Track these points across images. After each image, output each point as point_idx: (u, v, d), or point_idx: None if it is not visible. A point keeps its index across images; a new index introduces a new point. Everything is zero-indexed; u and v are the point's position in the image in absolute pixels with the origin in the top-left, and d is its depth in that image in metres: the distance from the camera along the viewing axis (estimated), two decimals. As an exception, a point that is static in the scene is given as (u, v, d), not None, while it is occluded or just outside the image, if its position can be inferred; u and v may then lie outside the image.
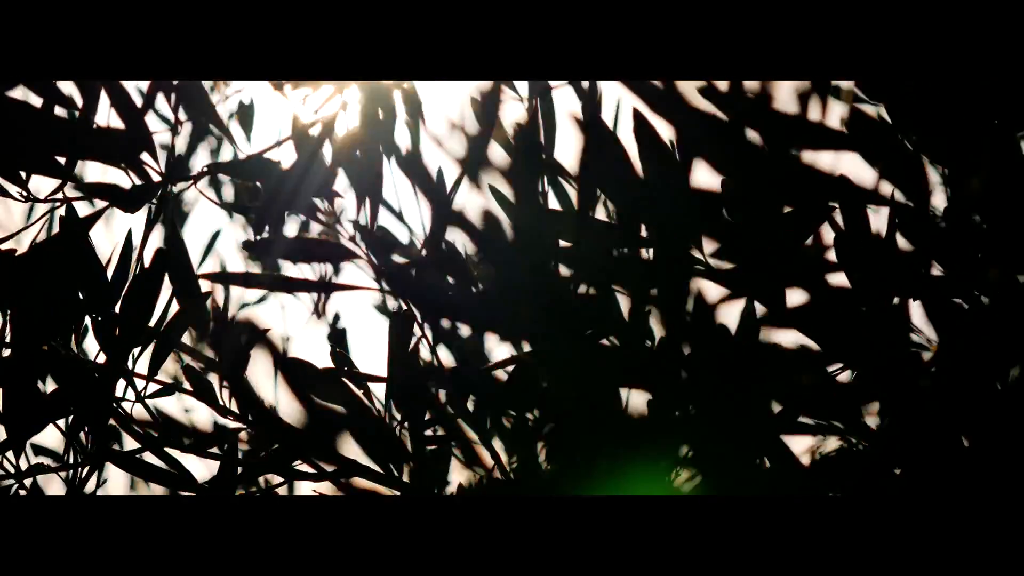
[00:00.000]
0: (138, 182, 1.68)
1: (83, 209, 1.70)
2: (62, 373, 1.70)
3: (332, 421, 1.60)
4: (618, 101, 1.59)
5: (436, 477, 1.65)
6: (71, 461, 1.72)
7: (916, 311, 1.45)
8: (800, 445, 1.48)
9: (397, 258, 1.55)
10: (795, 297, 1.41)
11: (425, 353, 1.66)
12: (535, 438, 1.48)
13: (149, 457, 1.70)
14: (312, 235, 1.73)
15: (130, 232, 1.70)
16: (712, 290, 1.43)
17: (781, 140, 1.37)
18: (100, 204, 1.72)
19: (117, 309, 1.69)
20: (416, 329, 1.67)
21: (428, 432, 1.66)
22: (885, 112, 1.36)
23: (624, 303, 1.43)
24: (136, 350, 1.70)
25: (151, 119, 1.70)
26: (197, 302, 1.67)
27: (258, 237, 1.70)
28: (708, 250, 1.41)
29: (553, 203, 1.51)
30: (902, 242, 1.42)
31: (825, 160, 1.39)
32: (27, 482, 1.73)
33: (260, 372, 1.66)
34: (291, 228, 1.71)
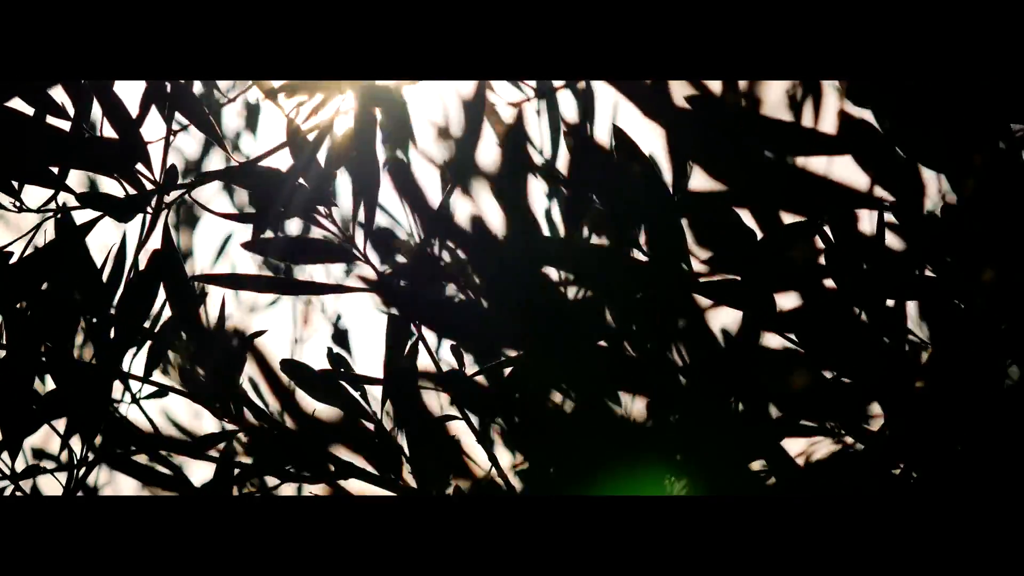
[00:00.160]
0: (132, 191, 1.67)
1: (79, 217, 1.70)
2: (58, 374, 1.70)
3: (326, 424, 1.60)
4: (615, 104, 1.58)
5: (434, 480, 1.65)
6: (67, 463, 1.73)
7: (914, 311, 1.44)
8: (796, 447, 1.47)
9: (397, 259, 1.54)
10: (787, 301, 1.40)
11: (425, 354, 1.66)
12: (527, 442, 1.47)
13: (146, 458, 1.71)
14: (311, 236, 1.72)
15: (125, 235, 1.70)
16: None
17: (773, 144, 1.35)
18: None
19: (112, 311, 1.69)
20: (414, 329, 1.67)
21: (425, 434, 1.66)
22: (872, 118, 1.35)
23: (616, 308, 1.42)
24: (131, 353, 1.70)
25: (149, 120, 1.70)
26: (191, 305, 1.67)
27: (258, 237, 1.70)
28: (702, 257, 1.40)
29: (545, 205, 1.50)
30: (897, 243, 1.41)
31: (817, 164, 1.37)
32: (24, 484, 1.74)
33: (258, 373, 1.66)
34: (291, 229, 1.71)
